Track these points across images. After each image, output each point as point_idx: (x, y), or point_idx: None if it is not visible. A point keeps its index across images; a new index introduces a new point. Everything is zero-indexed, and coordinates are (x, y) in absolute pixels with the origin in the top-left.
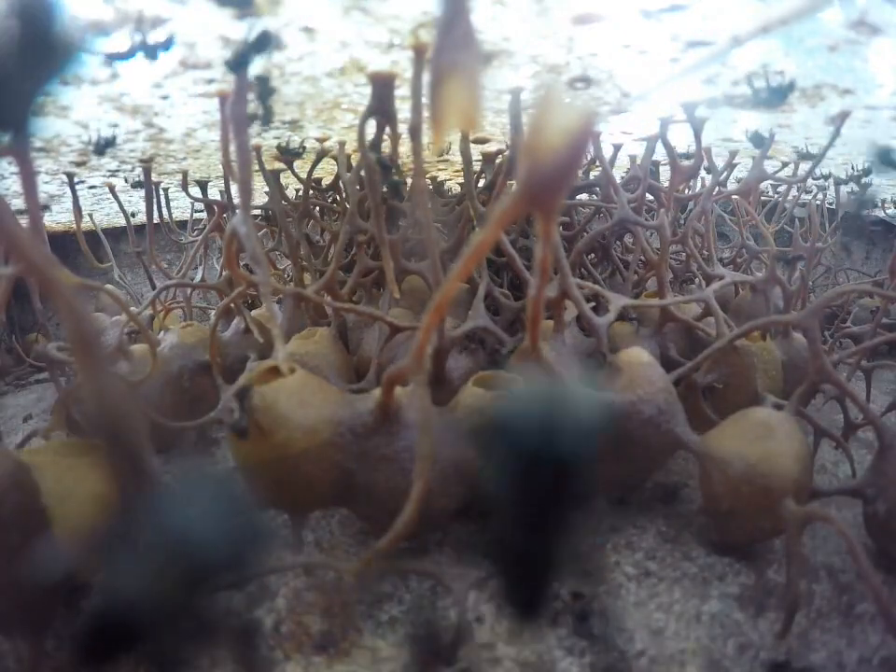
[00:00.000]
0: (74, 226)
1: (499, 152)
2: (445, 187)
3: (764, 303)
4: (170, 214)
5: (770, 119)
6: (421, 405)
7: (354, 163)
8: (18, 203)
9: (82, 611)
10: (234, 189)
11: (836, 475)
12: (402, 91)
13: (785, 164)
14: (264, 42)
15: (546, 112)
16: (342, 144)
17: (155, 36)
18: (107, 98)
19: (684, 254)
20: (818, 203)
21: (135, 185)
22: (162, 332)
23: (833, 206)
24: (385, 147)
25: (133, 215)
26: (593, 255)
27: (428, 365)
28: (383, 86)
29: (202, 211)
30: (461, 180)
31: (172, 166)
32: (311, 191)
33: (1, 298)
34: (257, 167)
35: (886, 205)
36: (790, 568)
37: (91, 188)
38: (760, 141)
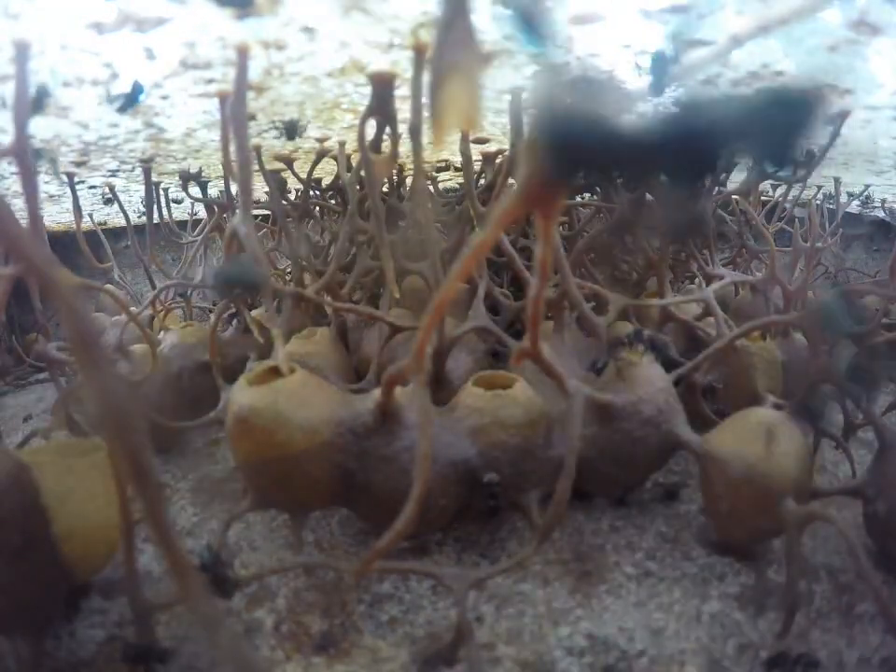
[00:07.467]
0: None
1: (499, 152)
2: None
3: (764, 303)
4: (170, 214)
5: None
6: (421, 405)
7: (354, 163)
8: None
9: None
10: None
11: (836, 475)
12: (402, 91)
13: None
14: None
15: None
16: (342, 144)
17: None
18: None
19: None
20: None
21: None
22: (162, 332)
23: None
24: (385, 146)
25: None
26: (593, 255)
27: (428, 365)
28: (383, 86)
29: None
30: (461, 180)
31: (172, 166)
32: (311, 191)
33: (1, 298)
34: (257, 167)
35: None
36: (790, 568)
37: (92, 188)
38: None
